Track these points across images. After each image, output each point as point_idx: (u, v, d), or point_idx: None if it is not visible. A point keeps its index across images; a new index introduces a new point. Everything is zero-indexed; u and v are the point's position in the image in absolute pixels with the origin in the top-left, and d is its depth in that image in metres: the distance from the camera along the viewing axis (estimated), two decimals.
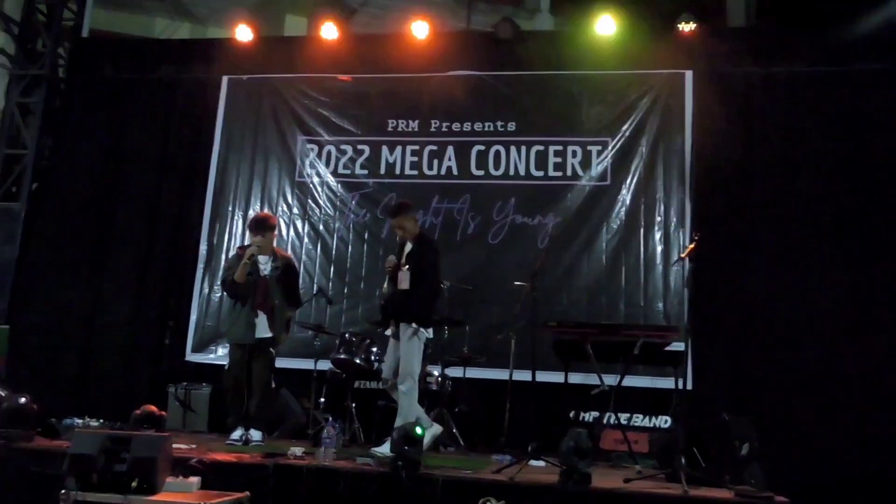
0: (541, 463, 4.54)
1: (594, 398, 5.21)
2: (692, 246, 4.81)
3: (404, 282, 5.31)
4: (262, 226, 5.75)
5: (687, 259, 4.70)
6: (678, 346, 5.54)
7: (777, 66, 7.30)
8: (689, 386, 6.76)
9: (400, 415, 5.11)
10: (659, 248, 7.15)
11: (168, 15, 11.14)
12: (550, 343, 5.64)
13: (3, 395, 4.69)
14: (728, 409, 6.29)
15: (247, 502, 3.73)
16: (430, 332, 5.43)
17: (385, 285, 5.94)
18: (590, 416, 5.73)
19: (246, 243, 5.99)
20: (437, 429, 5.20)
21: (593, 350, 5.24)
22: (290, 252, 7.56)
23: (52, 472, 3.73)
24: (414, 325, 5.22)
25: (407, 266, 5.34)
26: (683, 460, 3.75)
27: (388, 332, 5.45)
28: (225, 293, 6.35)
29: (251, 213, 7.78)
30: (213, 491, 3.74)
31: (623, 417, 5.76)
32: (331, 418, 4.93)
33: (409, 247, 5.48)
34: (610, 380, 5.31)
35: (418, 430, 3.83)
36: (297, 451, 4.35)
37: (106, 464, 3.55)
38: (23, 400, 4.50)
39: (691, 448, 4.08)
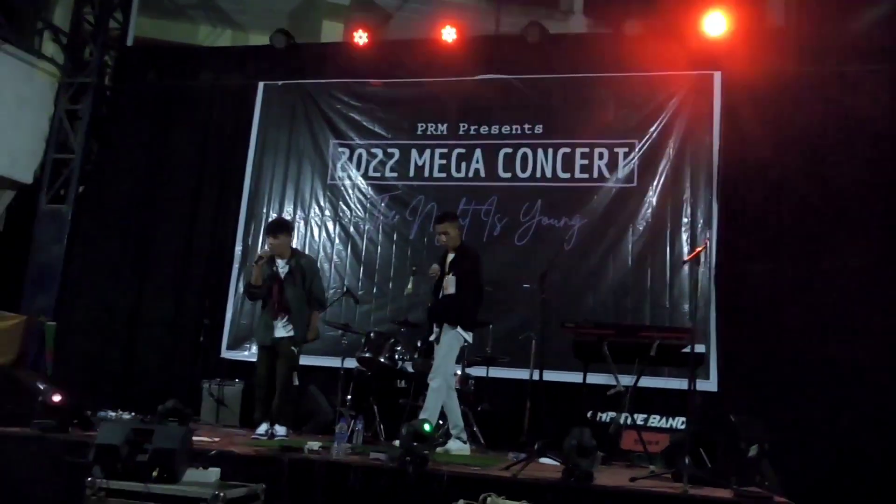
0: (553, 461, 4.64)
1: (611, 398, 5.26)
2: (699, 249, 4.81)
3: (450, 287, 5.56)
4: (274, 228, 6.00)
5: (696, 260, 4.66)
6: (699, 347, 5.54)
7: (807, 66, 7.21)
8: (714, 387, 6.81)
9: (425, 410, 5.29)
10: (685, 250, 7.11)
11: (210, 22, 11.51)
12: (570, 343, 5.69)
13: (42, 388, 4.96)
14: (753, 410, 6.33)
15: (262, 493, 3.90)
16: (470, 338, 5.64)
17: (409, 285, 6.16)
18: (607, 416, 5.78)
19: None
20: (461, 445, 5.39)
21: (611, 351, 5.29)
22: (321, 252, 7.80)
23: (81, 461, 3.95)
24: (458, 328, 5.46)
25: (452, 273, 5.59)
26: (688, 460, 3.79)
27: (433, 338, 5.65)
28: (247, 298, 6.56)
29: (285, 214, 8.05)
30: (231, 482, 3.91)
31: (641, 418, 5.77)
32: (344, 416, 5.07)
33: (451, 255, 5.74)
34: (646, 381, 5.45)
35: (426, 427, 3.95)
36: (315, 445, 4.51)
37: (129, 453, 3.75)
38: (57, 397, 4.74)
39: (698, 449, 4.11)
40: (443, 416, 5.87)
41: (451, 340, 5.49)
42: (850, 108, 7.01)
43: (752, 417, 4.41)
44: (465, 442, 5.46)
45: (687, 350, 5.28)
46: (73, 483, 3.96)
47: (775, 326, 6.82)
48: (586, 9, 10.67)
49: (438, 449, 5.33)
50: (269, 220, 7.86)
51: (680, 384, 5.82)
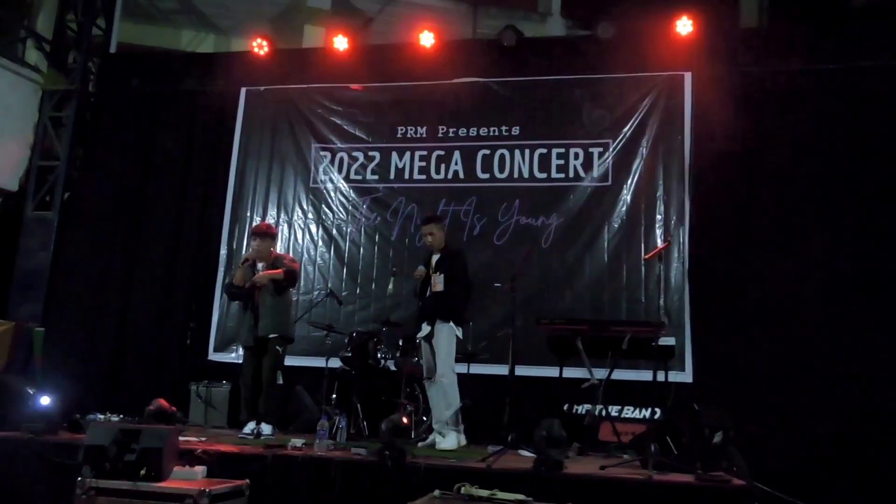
0: (526, 452, 4.84)
1: (585, 391, 5.44)
2: (660, 247, 5.00)
3: (438, 285, 5.74)
4: (258, 233, 6.18)
5: (660, 256, 4.84)
6: (669, 340, 5.73)
7: (775, 65, 7.42)
8: (690, 378, 7.02)
9: (446, 406, 5.54)
10: (660, 244, 7.31)
11: (193, 27, 11.63)
12: (545, 339, 5.87)
13: (32, 392, 5.10)
14: (728, 399, 6.59)
15: (246, 489, 4.06)
16: (461, 333, 5.81)
17: (390, 286, 6.33)
18: (583, 408, 5.96)
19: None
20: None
21: (584, 345, 5.47)
22: (304, 255, 7.96)
23: (71, 462, 4.10)
24: (451, 323, 5.65)
25: (439, 272, 5.78)
26: (655, 448, 3.98)
27: (421, 335, 5.79)
28: (226, 297, 6.69)
29: (269, 217, 8.19)
30: (217, 479, 4.07)
31: (616, 409, 5.95)
32: (326, 413, 5.22)
33: (436, 256, 5.92)
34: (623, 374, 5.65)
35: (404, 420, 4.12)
36: (298, 442, 4.67)
37: (117, 453, 3.90)
38: (46, 400, 4.88)
39: (664, 437, 4.30)
40: (427, 411, 6.06)
41: (449, 335, 5.68)
42: (818, 105, 7.24)
43: (717, 406, 4.61)
44: (444, 436, 5.59)
45: (658, 343, 5.46)
46: (63, 483, 4.09)
47: (749, 318, 7.03)
48: (563, 11, 10.83)
49: (421, 444, 5.51)
50: (254, 223, 8.03)
51: (637, 375, 5.98)
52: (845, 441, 6.46)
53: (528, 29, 10.87)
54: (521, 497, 3.52)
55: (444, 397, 5.57)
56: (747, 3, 10.66)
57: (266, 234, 6.25)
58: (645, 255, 7.16)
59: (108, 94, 9.06)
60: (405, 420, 5.09)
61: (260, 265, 6.12)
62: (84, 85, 8.96)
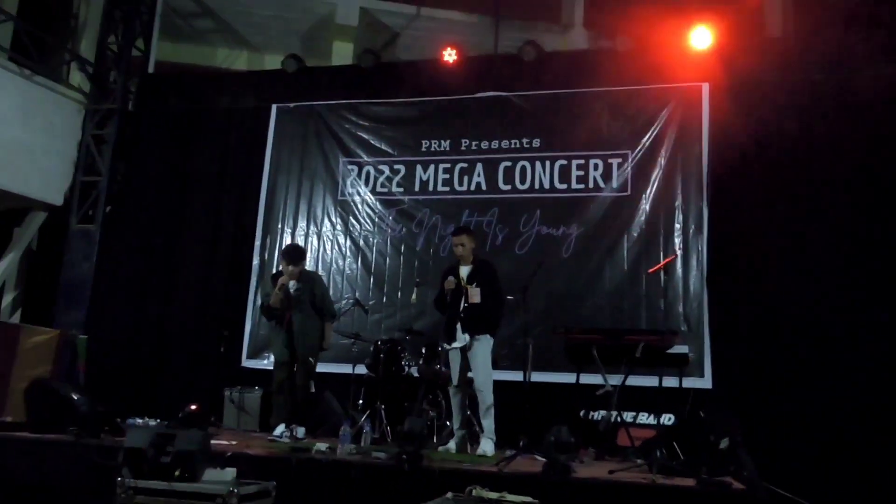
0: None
1: (601, 398, 5.62)
2: (666, 260, 5.15)
3: (475, 297, 5.87)
4: (292, 256, 6.38)
5: (666, 269, 5.00)
6: (682, 348, 5.87)
7: (791, 75, 7.51)
8: (709, 385, 7.15)
9: (483, 410, 5.77)
10: (679, 253, 7.46)
11: (228, 45, 12.05)
12: (562, 347, 6.06)
13: (76, 397, 5.45)
14: (747, 406, 6.73)
15: (273, 490, 4.33)
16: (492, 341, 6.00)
17: (414, 296, 6.58)
18: (599, 414, 6.13)
19: (279, 269, 6.60)
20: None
21: (599, 354, 5.65)
22: (333, 265, 8.26)
23: (112, 463, 4.41)
24: (489, 336, 5.85)
25: (475, 283, 5.92)
26: (659, 453, 4.16)
27: (457, 345, 5.90)
28: (265, 318, 6.97)
29: (299, 229, 8.51)
30: (245, 480, 4.35)
31: (632, 415, 6.10)
32: (348, 418, 5.48)
33: (465, 268, 6.06)
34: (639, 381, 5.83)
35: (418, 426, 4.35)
36: (322, 447, 4.93)
37: (154, 455, 4.19)
38: (93, 404, 5.23)
39: (671, 443, 4.47)
40: (449, 415, 6.28)
41: (487, 350, 5.87)
42: (836, 115, 7.31)
43: (725, 413, 4.76)
44: (489, 441, 5.77)
45: (671, 351, 5.62)
46: (104, 483, 4.40)
47: (768, 325, 7.12)
48: (586, 22, 11.02)
49: (441, 448, 5.73)
50: (284, 235, 8.35)
51: (669, 383, 6.13)
52: (863, 447, 6.52)
53: (550, 40, 11.07)
54: (528, 499, 3.73)
55: (486, 407, 5.76)
56: (771, 12, 10.77)
57: (298, 257, 6.48)
58: (650, 268, 7.31)
59: (146, 112, 9.48)
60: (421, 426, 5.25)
61: (291, 282, 6.37)
62: (124, 104, 9.39)
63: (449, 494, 3.86)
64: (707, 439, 4.31)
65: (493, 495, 3.77)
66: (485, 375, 5.77)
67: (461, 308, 5.89)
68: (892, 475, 6.28)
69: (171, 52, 11.47)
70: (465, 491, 3.88)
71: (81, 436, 5.07)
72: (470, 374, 5.83)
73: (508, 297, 5.86)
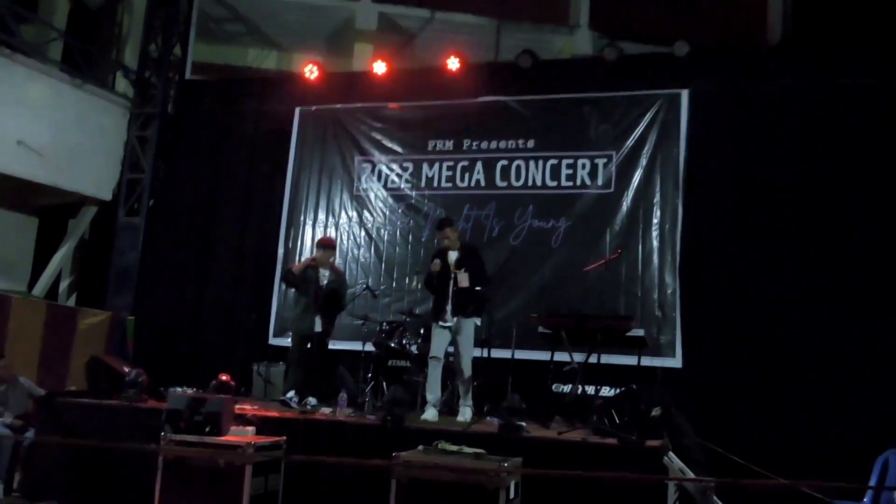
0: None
1: (568, 373, 6.52)
2: (607, 259, 6.00)
3: (464, 281, 6.60)
4: (321, 244, 7.60)
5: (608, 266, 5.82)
6: (638, 331, 6.73)
7: (763, 83, 8.22)
8: (679, 364, 7.98)
9: (464, 384, 6.55)
10: (656, 245, 8.26)
11: (258, 45, 13.02)
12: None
13: (127, 370, 6.53)
14: (714, 382, 7.60)
15: (283, 444, 5.35)
16: (479, 321, 6.80)
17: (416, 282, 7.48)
18: (567, 387, 7.00)
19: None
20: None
21: (568, 336, 6.53)
22: (349, 254, 9.26)
23: (156, 423, 5.46)
24: (475, 318, 6.63)
25: (463, 269, 6.67)
26: (595, 418, 5.06)
27: (446, 325, 6.59)
28: (282, 282, 7.99)
29: (319, 221, 9.51)
30: (262, 435, 5.37)
31: (595, 389, 6.95)
32: (345, 387, 6.46)
33: (454, 254, 6.80)
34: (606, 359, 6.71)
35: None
36: (326, 410, 5.93)
37: (189, 416, 5.24)
38: (140, 376, 6.32)
39: (610, 411, 5.35)
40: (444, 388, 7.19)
41: (472, 330, 6.61)
42: (802, 120, 8.01)
43: (658, 386, 5.62)
44: (466, 409, 6.54)
45: (630, 334, 6.49)
46: (151, 438, 5.46)
47: (734, 312, 7.91)
48: (592, 23, 11.72)
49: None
50: (307, 229, 9.37)
51: (630, 360, 6.96)
52: (814, 418, 7.32)
53: (557, 41, 11.89)
54: (480, 451, 4.67)
55: (464, 380, 6.59)
56: (775, 18, 11.44)
57: (328, 247, 7.59)
58: (655, 253, 8.11)
59: (184, 114, 10.52)
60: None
61: (322, 271, 7.41)
62: (164, 108, 10.43)
63: (420, 447, 4.82)
64: (639, 408, 5.18)
65: (454, 448, 4.72)
66: (468, 354, 6.53)
67: (450, 291, 6.62)
68: (840, 443, 7.00)
69: (206, 53, 12.45)
70: (432, 444, 4.83)
71: (132, 401, 6.14)
72: (450, 349, 6.61)
73: (462, 286, 6.53)
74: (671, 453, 5.18)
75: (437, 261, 6.76)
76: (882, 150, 7.66)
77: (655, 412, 5.26)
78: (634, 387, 5.42)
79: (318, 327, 7.31)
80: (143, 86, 10.44)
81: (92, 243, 10.69)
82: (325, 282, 7.44)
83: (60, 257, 10.29)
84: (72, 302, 10.46)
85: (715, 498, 5.23)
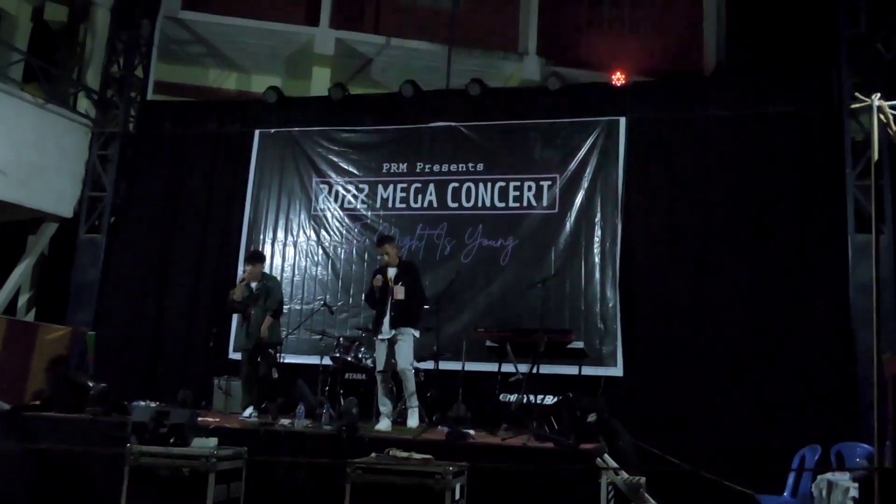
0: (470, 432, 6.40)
1: (513, 384, 6.99)
2: (546, 279, 6.51)
3: (399, 294, 7.05)
4: (252, 257, 7.89)
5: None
6: (578, 343, 7.24)
7: (694, 110, 8.87)
8: (620, 373, 8.52)
9: (408, 391, 6.97)
10: (597, 262, 8.81)
11: (218, 67, 13.35)
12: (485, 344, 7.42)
13: (91, 385, 6.80)
14: (653, 388, 8.13)
15: (245, 453, 5.69)
16: (418, 333, 7.24)
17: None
18: (513, 397, 7.47)
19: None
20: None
21: (512, 348, 7.00)
22: (307, 272, 9.61)
23: (122, 435, 5.76)
24: (411, 329, 7.06)
25: (400, 283, 7.13)
26: (534, 424, 5.52)
27: (384, 337, 7.07)
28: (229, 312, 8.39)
29: (278, 240, 9.85)
30: (224, 446, 5.71)
31: (541, 398, 7.42)
32: (303, 400, 6.82)
33: (392, 270, 7.26)
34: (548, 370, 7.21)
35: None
36: (286, 422, 6.30)
37: (154, 428, 5.56)
38: (106, 390, 6.60)
39: (549, 417, 5.83)
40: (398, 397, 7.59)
41: (410, 341, 7.07)
42: (725, 145, 8.68)
43: (594, 395, 6.12)
44: (413, 415, 7.01)
45: (570, 346, 6.99)
46: (116, 449, 5.75)
47: (669, 323, 8.50)
48: (539, 51, 12.33)
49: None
50: (266, 247, 9.69)
51: (573, 370, 7.48)
52: (742, 419, 7.90)
53: (507, 67, 12.45)
54: (427, 456, 5.09)
55: (408, 386, 7.05)
56: (710, 47, 12.21)
57: (256, 259, 7.91)
58: (596, 269, 8.65)
59: (145, 134, 10.77)
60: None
61: (253, 284, 7.74)
62: (126, 127, 10.67)
63: (373, 454, 5.23)
64: (575, 415, 5.67)
65: (404, 454, 5.13)
66: (407, 362, 6.94)
67: (388, 305, 7.08)
68: (765, 440, 7.57)
69: (167, 73, 12.73)
70: (384, 451, 5.24)
71: (97, 414, 6.43)
72: (393, 361, 7.02)
73: (398, 299, 6.96)
74: (606, 455, 5.68)
75: (378, 276, 7.21)
76: (801, 172, 8.34)
77: (591, 418, 5.74)
78: (571, 395, 5.90)
79: (256, 340, 7.61)
80: (105, 105, 10.67)
81: (51, 259, 10.85)
82: (256, 294, 7.74)
83: (20, 273, 10.43)
84: (30, 317, 10.60)
85: (646, 495, 5.74)
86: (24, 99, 9.84)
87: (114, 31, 10.92)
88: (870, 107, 4.25)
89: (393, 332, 7.07)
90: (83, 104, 10.85)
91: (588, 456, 5.23)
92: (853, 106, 4.52)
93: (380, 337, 7.15)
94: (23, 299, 10.74)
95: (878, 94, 4.31)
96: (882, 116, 4.25)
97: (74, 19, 11.37)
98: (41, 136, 10.02)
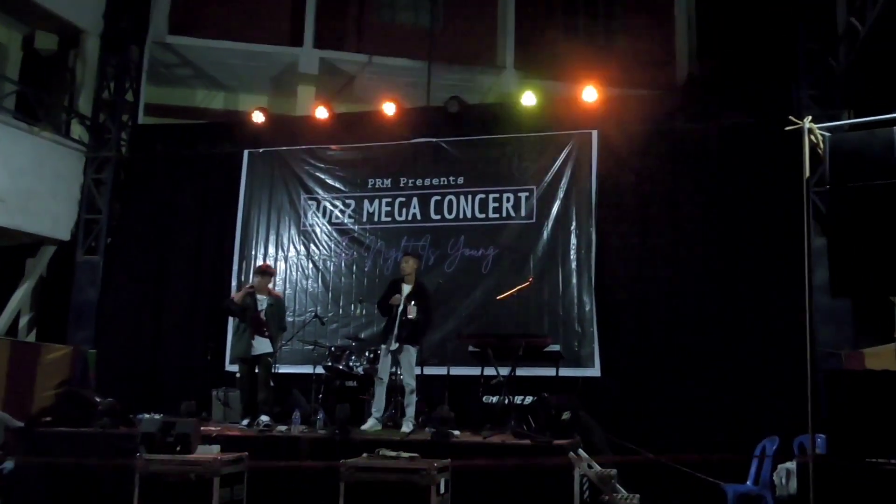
0: (456, 432, 6.86)
1: (495, 386, 7.46)
2: (519, 287, 6.98)
3: (411, 313, 7.51)
4: (259, 271, 8.39)
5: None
6: (554, 347, 7.71)
7: (662, 123, 9.36)
8: (598, 373, 9.00)
9: (407, 401, 7.42)
10: (573, 268, 9.29)
11: (206, 87, 13.77)
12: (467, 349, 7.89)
13: (99, 400, 7.22)
14: (629, 387, 8.60)
15: (245, 458, 6.13)
16: (417, 351, 7.72)
17: (359, 310, 8.35)
18: (495, 398, 7.92)
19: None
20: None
21: (493, 353, 7.46)
22: (298, 285, 10.06)
23: (131, 446, 6.19)
24: (412, 346, 7.52)
25: (413, 303, 7.58)
26: (513, 423, 5.99)
27: (390, 348, 7.51)
28: (224, 311, 8.83)
29: (269, 255, 10.28)
30: (226, 452, 6.15)
31: (521, 398, 7.88)
32: (298, 406, 7.27)
33: (407, 287, 7.72)
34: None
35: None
36: (282, 427, 6.74)
37: (161, 437, 5.99)
38: (113, 405, 7.02)
39: (527, 416, 6.30)
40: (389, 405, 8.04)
41: (413, 355, 7.54)
42: (696, 156, 9.18)
43: (568, 394, 6.59)
44: (411, 425, 7.44)
45: (548, 349, 7.46)
46: (127, 458, 6.18)
47: (644, 325, 8.99)
48: (516, 64, 12.83)
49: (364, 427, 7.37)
50: (258, 261, 10.12)
51: (553, 372, 7.95)
52: (712, 413, 8.39)
53: (486, 81, 12.94)
54: (414, 455, 5.54)
55: (409, 399, 7.46)
56: (682, 59, 12.76)
57: (266, 273, 8.38)
58: (573, 276, 9.12)
59: (137, 158, 11.17)
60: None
61: (259, 297, 8.20)
62: (118, 151, 11.08)
63: (364, 455, 5.68)
64: (550, 413, 6.14)
65: (393, 454, 5.59)
66: (410, 375, 7.46)
67: (398, 321, 7.55)
68: (732, 432, 8.07)
69: (156, 94, 13.13)
70: (374, 452, 5.69)
71: (106, 427, 6.85)
72: (394, 372, 7.55)
73: (409, 318, 7.46)
74: (580, 449, 6.15)
75: (397, 295, 7.66)
76: (763, 179, 8.83)
77: (565, 416, 6.22)
78: (546, 396, 6.37)
79: (255, 350, 8.06)
80: (98, 130, 11.08)
81: (50, 281, 11.22)
82: (264, 307, 8.21)
83: (20, 296, 10.81)
84: (31, 338, 10.97)
85: (617, 485, 6.22)
86: (18, 128, 10.22)
87: (103, 58, 11.33)
88: (801, 129, 4.74)
89: (397, 345, 7.53)
90: (76, 130, 11.24)
91: (562, 451, 5.69)
92: (786, 128, 5.00)
93: (387, 347, 7.60)
94: (24, 321, 11.11)
95: (809, 117, 4.80)
96: (812, 137, 4.74)
97: (64, 47, 11.74)
98: (37, 163, 10.42)
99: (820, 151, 4.66)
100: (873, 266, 4.15)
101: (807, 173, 4.78)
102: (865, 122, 4.70)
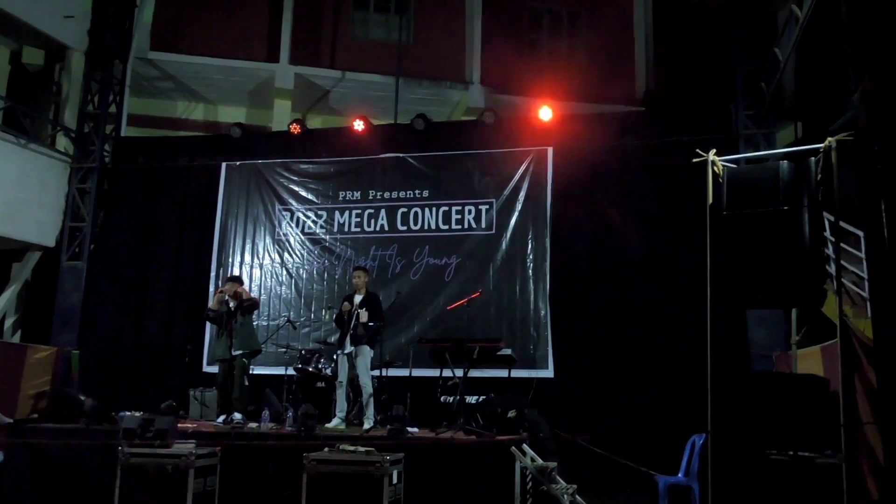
0: (415, 429, 7.51)
1: (451, 387, 8.10)
2: (468, 298, 7.65)
3: (363, 317, 8.12)
4: (229, 278, 9.03)
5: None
6: (506, 350, 8.37)
7: (612, 140, 10.06)
8: (551, 374, 9.68)
9: (364, 399, 8.03)
10: (530, 276, 9.96)
11: (186, 99, 14.31)
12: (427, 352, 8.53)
13: (84, 399, 7.79)
14: (581, 387, 9.26)
15: (219, 452, 6.73)
16: (372, 352, 8.33)
17: (326, 316, 8.98)
18: (452, 398, 8.57)
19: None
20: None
21: (451, 356, 8.09)
22: (272, 291, 10.65)
23: (113, 440, 6.77)
24: (367, 347, 8.14)
25: (364, 308, 8.21)
26: (461, 420, 6.64)
27: (345, 352, 8.17)
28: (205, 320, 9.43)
29: (245, 262, 10.87)
30: (201, 447, 6.75)
31: (476, 398, 8.53)
32: (268, 405, 7.87)
33: (358, 296, 8.37)
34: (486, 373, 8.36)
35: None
36: (253, 425, 7.35)
37: (141, 433, 6.58)
38: (94, 402, 7.60)
39: (476, 414, 6.95)
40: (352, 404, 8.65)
41: (367, 357, 8.17)
42: (639, 171, 9.87)
43: (514, 394, 7.24)
44: (370, 422, 8.11)
45: (500, 353, 8.11)
46: (108, 453, 6.75)
47: (595, 330, 9.67)
48: (483, 80, 13.48)
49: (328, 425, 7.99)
50: (233, 269, 10.71)
51: (501, 373, 8.60)
52: (654, 410, 9.06)
53: (454, 95, 13.57)
54: (370, 449, 6.17)
55: (367, 397, 8.12)
56: (640, 76, 13.47)
57: (234, 280, 8.97)
58: (531, 283, 9.78)
59: (120, 168, 11.73)
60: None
61: (232, 302, 8.79)
62: (102, 162, 11.61)
63: (325, 449, 6.31)
64: (496, 412, 6.79)
65: (351, 448, 6.22)
66: (366, 376, 8.08)
67: (352, 325, 8.17)
68: (672, 428, 8.70)
69: (139, 106, 13.66)
70: (335, 446, 6.32)
71: (90, 424, 7.43)
72: (353, 373, 8.15)
73: (370, 324, 8.07)
74: (525, 445, 6.80)
75: (346, 303, 8.34)
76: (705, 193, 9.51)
77: (511, 414, 6.86)
78: (492, 396, 7.02)
79: (235, 350, 8.63)
80: (83, 142, 11.61)
81: (35, 285, 11.74)
82: (232, 307, 8.79)
83: (6, 299, 11.33)
84: (17, 339, 11.48)
85: (558, 477, 6.86)
86: (6, 140, 10.74)
87: (88, 73, 11.86)
88: (706, 161, 5.42)
89: (353, 348, 8.18)
90: (62, 142, 11.78)
91: (505, 446, 6.34)
92: (693, 160, 5.68)
93: (342, 351, 8.23)
94: (9, 323, 11.62)
95: (714, 150, 5.48)
96: (716, 168, 5.42)
97: (51, 62, 12.29)
98: (24, 174, 10.95)
99: (721, 180, 5.33)
100: (759, 283, 4.83)
101: (710, 200, 5.44)
102: (759, 157, 5.37)
